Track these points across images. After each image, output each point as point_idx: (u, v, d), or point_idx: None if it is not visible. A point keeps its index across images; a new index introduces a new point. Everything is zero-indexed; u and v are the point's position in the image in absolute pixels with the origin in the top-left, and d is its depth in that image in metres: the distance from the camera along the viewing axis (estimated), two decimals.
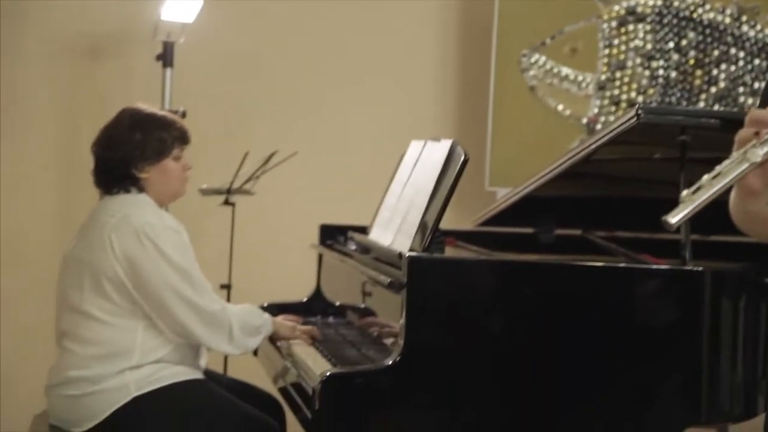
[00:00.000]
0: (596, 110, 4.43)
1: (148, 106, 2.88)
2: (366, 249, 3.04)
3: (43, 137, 4.33)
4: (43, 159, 4.33)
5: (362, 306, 2.97)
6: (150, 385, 2.70)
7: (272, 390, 3.00)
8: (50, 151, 4.35)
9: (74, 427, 2.72)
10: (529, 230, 3.51)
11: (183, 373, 2.75)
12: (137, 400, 2.68)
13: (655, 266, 2.60)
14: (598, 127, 4.36)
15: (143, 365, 2.70)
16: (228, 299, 3.97)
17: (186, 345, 2.77)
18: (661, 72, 4.41)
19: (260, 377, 3.10)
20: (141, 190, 2.79)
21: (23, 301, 4.30)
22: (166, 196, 2.83)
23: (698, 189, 1.48)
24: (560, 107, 4.43)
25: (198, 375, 2.81)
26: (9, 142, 4.30)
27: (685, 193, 1.49)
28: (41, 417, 2.87)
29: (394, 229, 2.87)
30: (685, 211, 1.47)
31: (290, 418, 2.74)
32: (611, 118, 4.34)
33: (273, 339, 2.94)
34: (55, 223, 4.34)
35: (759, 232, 1.67)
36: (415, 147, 3.04)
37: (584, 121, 4.43)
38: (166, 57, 4.04)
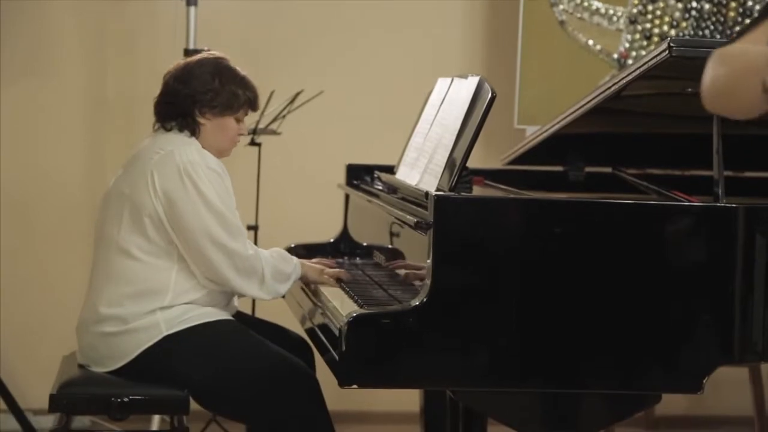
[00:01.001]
0: (627, 45, 4.36)
1: (229, 59, 2.88)
2: (393, 189, 3.03)
3: (70, 76, 4.32)
4: (71, 97, 4.33)
5: (389, 246, 2.96)
6: (180, 325, 2.72)
7: (300, 331, 3.00)
8: (78, 90, 4.34)
9: (103, 366, 2.75)
10: (559, 168, 3.48)
11: (213, 314, 2.77)
12: (167, 340, 2.70)
13: (687, 203, 2.57)
14: (629, 62, 4.30)
15: (174, 306, 2.72)
16: (255, 240, 3.98)
17: (218, 290, 2.78)
18: (694, 4, 4.32)
19: (288, 319, 3.11)
20: (194, 133, 2.81)
21: (53, 243, 4.33)
22: (213, 149, 2.83)
23: None
24: (590, 42, 4.36)
25: (227, 316, 2.83)
26: (38, 81, 4.30)
27: None
28: (70, 358, 2.90)
29: (421, 169, 2.85)
30: None
31: (318, 360, 2.73)
32: (643, 52, 4.27)
33: (301, 281, 2.93)
34: (83, 161, 4.35)
35: (731, 107, 1.69)
36: (441, 85, 3.01)
37: (615, 56, 4.37)
38: None
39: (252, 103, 2.87)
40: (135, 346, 2.70)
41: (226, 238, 2.69)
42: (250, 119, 3.82)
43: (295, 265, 2.86)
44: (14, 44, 4.27)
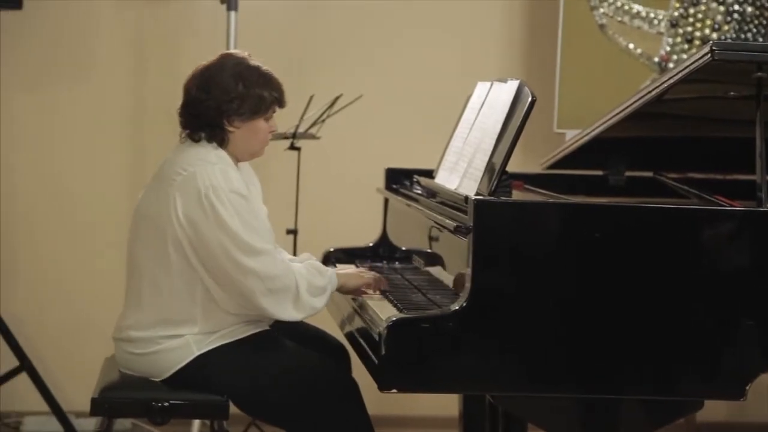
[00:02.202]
0: (668, 48, 4.33)
1: (248, 56, 2.77)
2: (432, 193, 3.03)
3: (109, 81, 4.36)
4: (110, 102, 4.36)
5: (428, 251, 2.96)
6: (212, 344, 2.69)
7: (339, 335, 3.01)
8: (118, 91, 4.36)
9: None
10: (599, 173, 3.47)
11: (245, 329, 2.73)
12: (200, 358, 2.68)
13: (729, 208, 2.55)
14: (671, 65, 4.27)
15: (204, 333, 2.68)
16: (294, 245, 3.99)
17: (252, 316, 2.72)
18: (736, 7, 4.29)
19: (326, 322, 3.11)
20: (222, 141, 2.72)
21: (94, 244, 4.37)
22: (246, 153, 2.77)
23: None
24: (631, 46, 4.34)
25: (262, 327, 2.79)
26: (78, 82, 4.33)
27: None
28: (112, 360, 2.90)
29: (461, 173, 2.85)
30: None
31: (357, 365, 2.74)
32: (684, 56, 4.24)
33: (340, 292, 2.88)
34: (123, 165, 4.38)
35: None
36: (481, 88, 3.00)
37: (656, 59, 4.34)
38: (230, 0, 4.03)
39: (279, 101, 2.76)
40: (168, 366, 2.69)
41: (248, 260, 2.59)
42: (290, 124, 3.85)
43: (330, 276, 2.76)
44: (53, 45, 4.31)
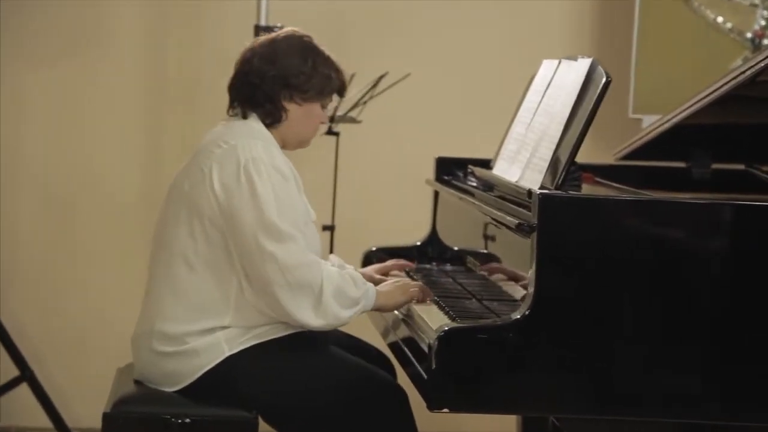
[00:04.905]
0: (763, 23, 4.31)
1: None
2: (489, 186, 3.03)
3: (127, 55, 4.39)
4: (127, 78, 4.39)
5: (484, 251, 2.96)
6: (244, 343, 2.72)
7: (381, 345, 3.03)
8: (135, 69, 4.40)
9: (161, 387, 2.78)
10: (681, 165, 3.46)
11: (281, 329, 2.76)
12: (230, 360, 2.71)
13: None
14: (766, 42, 4.24)
15: (234, 327, 2.72)
16: (330, 243, 4.01)
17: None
18: None
19: (368, 330, 3.12)
20: (276, 121, 2.80)
21: (103, 246, 4.41)
22: (295, 140, 2.85)
23: None
24: (720, 19, 4.32)
25: (298, 329, 2.79)
26: (90, 59, 4.37)
27: None
28: (126, 371, 2.93)
29: (523, 163, 2.85)
30: None
31: (402, 378, 2.76)
32: None
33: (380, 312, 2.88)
34: (139, 152, 4.41)
35: None
36: (547, 67, 3.00)
37: (749, 35, 4.32)
38: None
39: (341, 89, 2.88)
40: (194, 369, 2.72)
41: (269, 243, 2.64)
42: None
43: (366, 291, 2.76)
44: (62, 17, 4.34)
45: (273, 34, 2.86)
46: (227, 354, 2.71)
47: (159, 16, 4.41)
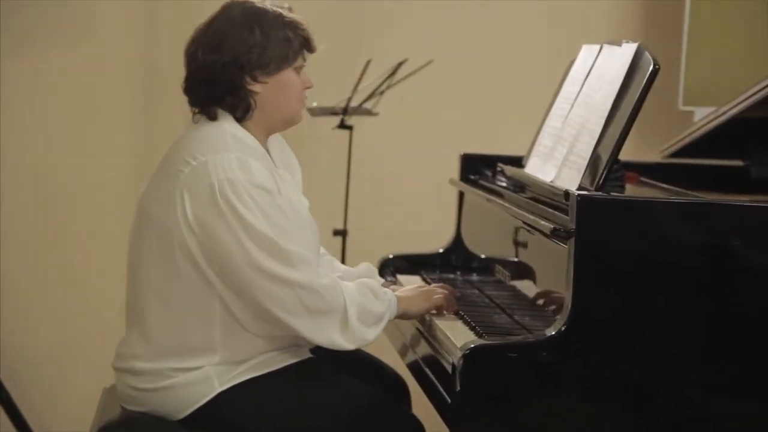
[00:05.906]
0: None
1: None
2: (521, 186, 3.03)
3: (117, 37, 4.42)
4: (115, 67, 4.43)
5: (515, 260, 2.96)
6: (238, 377, 2.69)
7: (397, 364, 3.02)
8: (126, 53, 4.44)
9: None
10: (738, 163, 3.45)
11: (278, 360, 2.73)
12: (225, 395, 2.67)
13: None
14: None
15: (226, 363, 2.69)
16: (342, 249, 4.01)
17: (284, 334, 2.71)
18: None
19: (383, 347, 3.12)
20: (248, 110, 2.72)
21: (91, 248, 4.43)
22: (279, 120, 2.77)
23: None
24: None
25: (303, 355, 2.79)
26: (76, 45, 4.40)
27: None
28: (111, 392, 2.92)
29: (559, 161, 2.85)
30: None
31: (419, 399, 2.75)
32: None
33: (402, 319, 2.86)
34: (129, 148, 4.44)
35: None
36: (587, 53, 3.00)
37: None
38: None
39: (307, 44, 2.76)
40: (183, 406, 2.68)
41: (283, 269, 2.59)
42: (340, 96, 3.87)
43: (389, 301, 2.75)
44: (68, 17, 4.36)
45: (211, 14, 2.76)
46: (219, 390, 2.66)
47: (159, 16, 4.42)
